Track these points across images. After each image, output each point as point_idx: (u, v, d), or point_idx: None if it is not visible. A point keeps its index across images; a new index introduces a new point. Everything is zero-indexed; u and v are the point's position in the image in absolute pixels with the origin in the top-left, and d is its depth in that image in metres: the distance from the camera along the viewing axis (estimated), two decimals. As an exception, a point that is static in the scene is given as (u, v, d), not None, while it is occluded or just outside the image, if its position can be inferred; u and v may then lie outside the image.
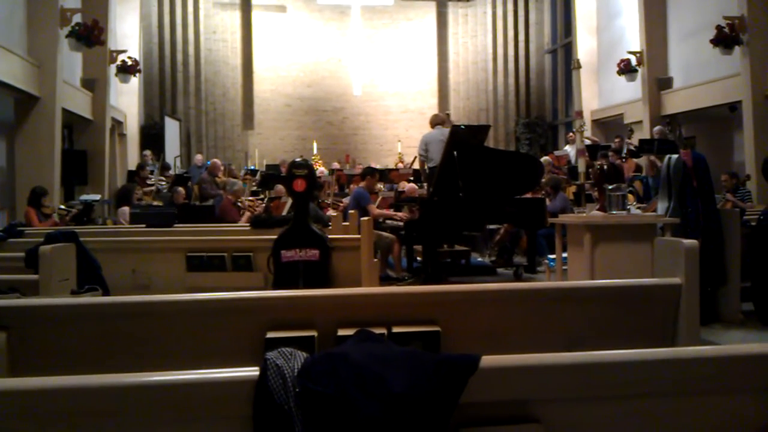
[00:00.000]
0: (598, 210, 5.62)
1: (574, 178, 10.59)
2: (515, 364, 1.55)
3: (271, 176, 12.56)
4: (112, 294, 4.01)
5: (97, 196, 11.35)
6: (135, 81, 14.76)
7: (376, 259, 5.81)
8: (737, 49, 10.49)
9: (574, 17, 16.87)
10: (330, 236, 5.45)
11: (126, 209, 9.43)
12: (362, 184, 9.67)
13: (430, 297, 2.49)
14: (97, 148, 12.68)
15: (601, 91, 16.28)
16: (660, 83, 13.28)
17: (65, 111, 11.04)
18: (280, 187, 9.61)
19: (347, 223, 7.12)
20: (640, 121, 13.68)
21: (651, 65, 13.33)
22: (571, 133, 13.75)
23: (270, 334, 2.25)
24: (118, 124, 14.63)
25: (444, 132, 8.58)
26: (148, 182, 12.17)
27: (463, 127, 8.52)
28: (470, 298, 2.53)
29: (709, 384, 1.61)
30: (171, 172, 14.12)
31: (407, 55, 19.67)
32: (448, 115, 10.53)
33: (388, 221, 9.09)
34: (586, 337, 2.41)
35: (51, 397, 1.41)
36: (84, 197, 10.87)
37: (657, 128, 11.79)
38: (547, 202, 9.35)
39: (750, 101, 10.32)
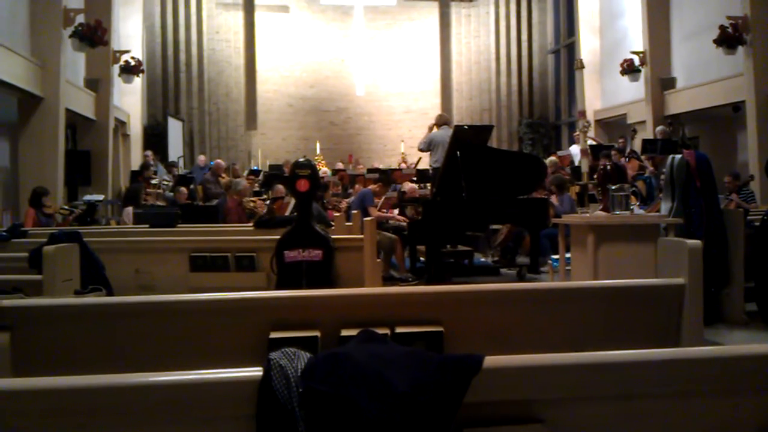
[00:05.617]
0: (601, 210, 5.62)
1: (577, 178, 10.58)
2: (519, 364, 1.55)
3: (274, 176, 12.56)
4: (115, 294, 4.01)
5: (101, 197, 11.36)
6: (138, 81, 14.78)
7: (379, 260, 5.81)
8: (740, 49, 10.48)
9: (576, 17, 16.84)
10: (333, 236, 5.46)
11: (129, 209, 9.45)
12: (372, 186, 9.69)
13: (433, 297, 2.49)
14: (100, 148, 12.69)
15: (604, 91, 16.26)
16: (663, 83, 13.26)
17: (68, 111, 11.06)
18: (279, 187, 9.60)
19: (350, 224, 7.12)
20: (644, 122, 13.66)
21: (654, 65, 13.31)
22: (577, 132, 13.74)
23: (273, 335, 2.24)
24: (121, 125, 14.65)
25: (450, 132, 8.59)
26: (153, 182, 12.20)
27: (466, 127, 8.52)
28: (473, 299, 2.52)
29: (712, 384, 1.60)
30: (175, 171, 14.16)
31: (410, 56, 19.66)
32: (441, 116, 10.58)
33: (391, 221, 9.10)
34: (590, 337, 2.41)
35: (54, 397, 1.41)
36: (87, 197, 10.88)
37: (659, 128, 11.77)
38: (554, 200, 9.36)
39: (753, 101, 10.30)
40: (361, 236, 5.42)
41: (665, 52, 13.35)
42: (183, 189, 11.09)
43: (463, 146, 7.43)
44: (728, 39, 10.44)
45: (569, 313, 2.51)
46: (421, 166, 13.27)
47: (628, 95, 14.55)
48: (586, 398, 1.58)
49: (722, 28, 10.47)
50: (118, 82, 13.75)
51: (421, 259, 8.61)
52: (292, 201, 8.26)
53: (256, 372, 1.48)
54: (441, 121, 10.18)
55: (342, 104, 19.51)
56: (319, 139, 18.24)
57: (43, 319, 2.31)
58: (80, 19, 10.89)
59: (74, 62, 11.88)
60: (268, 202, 9.91)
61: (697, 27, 12.17)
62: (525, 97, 19.26)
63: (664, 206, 6.13)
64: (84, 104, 12.19)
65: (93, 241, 4.85)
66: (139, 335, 2.33)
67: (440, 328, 2.32)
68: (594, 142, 12.29)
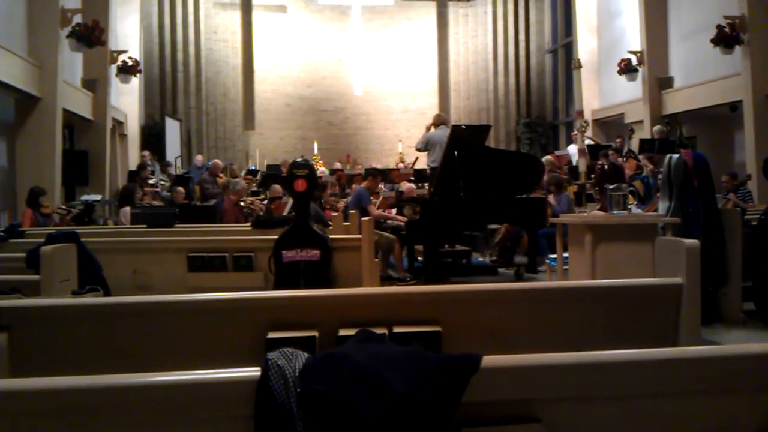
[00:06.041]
0: (599, 210, 5.62)
1: (574, 178, 10.58)
2: (516, 364, 1.55)
3: (271, 176, 12.54)
4: (113, 294, 4.00)
5: (98, 197, 11.35)
6: (135, 81, 14.76)
7: (377, 260, 5.81)
8: (738, 48, 10.49)
9: (574, 17, 16.86)
10: (331, 236, 5.46)
11: (127, 209, 9.44)
12: (364, 184, 9.69)
13: (431, 297, 2.49)
14: (97, 148, 12.68)
15: (602, 91, 16.27)
16: (660, 83, 13.27)
17: (66, 111, 11.03)
18: (276, 187, 9.59)
19: (348, 224, 7.12)
20: (641, 121, 13.67)
21: (651, 65, 13.33)
22: (575, 132, 13.76)
23: (271, 335, 2.24)
24: (118, 125, 14.63)
25: (447, 132, 8.60)
26: (150, 182, 12.18)
27: (464, 126, 8.52)
28: (471, 298, 2.52)
29: (710, 384, 1.61)
30: (171, 170, 14.15)
31: (408, 55, 19.66)
32: (439, 115, 10.61)
33: (389, 221, 9.10)
34: (588, 336, 2.41)
35: (52, 397, 1.41)
36: (85, 197, 10.87)
37: (656, 128, 11.78)
38: (551, 199, 9.38)
39: (751, 101, 10.31)
40: (359, 236, 5.41)
41: (663, 52, 13.36)
42: (180, 189, 11.09)
43: (461, 146, 7.43)
44: (725, 38, 10.46)
45: (567, 312, 2.51)
46: (418, 166, 13.27)
47: (626, 95, 14.57)
48: (584, 398, 1.58)
49: (719, 27, 10.48)
50: (115, 82, 13.72)
51: (419, 258, 8.61)
52: (290, 201, 8.26)
53: (253, 372, 1.48)
54: (438, 121, 10.18)
55: (340, 104, 19.51)
56: (317, 139, 18.23)
57: (41, 320, 2.31)
58: (77, 19, 10.87)
59: (71, 62, 11.86)
60: (265, 202, 9.90)
61: (695, 26, 12.19)
62: (522, 97, 19.28)
63: (662, 206, 6.13)
64: (81, 104, 12.17)
65: (90, 241, 4.83)
66: (137, 335, 2.32)
67: (438, 328, 2.32)
68: (592, 142, 12.31)
